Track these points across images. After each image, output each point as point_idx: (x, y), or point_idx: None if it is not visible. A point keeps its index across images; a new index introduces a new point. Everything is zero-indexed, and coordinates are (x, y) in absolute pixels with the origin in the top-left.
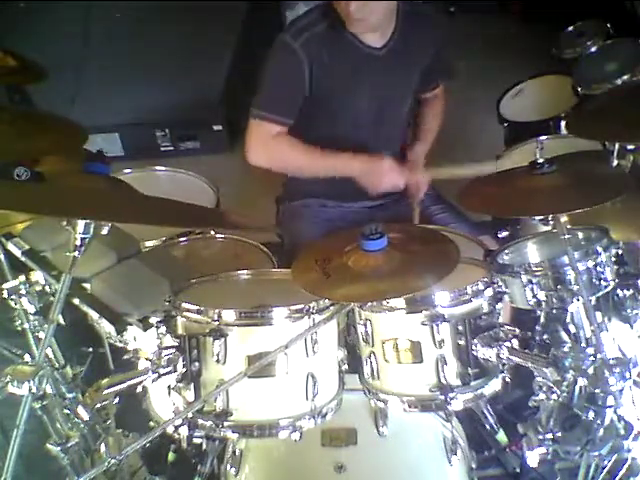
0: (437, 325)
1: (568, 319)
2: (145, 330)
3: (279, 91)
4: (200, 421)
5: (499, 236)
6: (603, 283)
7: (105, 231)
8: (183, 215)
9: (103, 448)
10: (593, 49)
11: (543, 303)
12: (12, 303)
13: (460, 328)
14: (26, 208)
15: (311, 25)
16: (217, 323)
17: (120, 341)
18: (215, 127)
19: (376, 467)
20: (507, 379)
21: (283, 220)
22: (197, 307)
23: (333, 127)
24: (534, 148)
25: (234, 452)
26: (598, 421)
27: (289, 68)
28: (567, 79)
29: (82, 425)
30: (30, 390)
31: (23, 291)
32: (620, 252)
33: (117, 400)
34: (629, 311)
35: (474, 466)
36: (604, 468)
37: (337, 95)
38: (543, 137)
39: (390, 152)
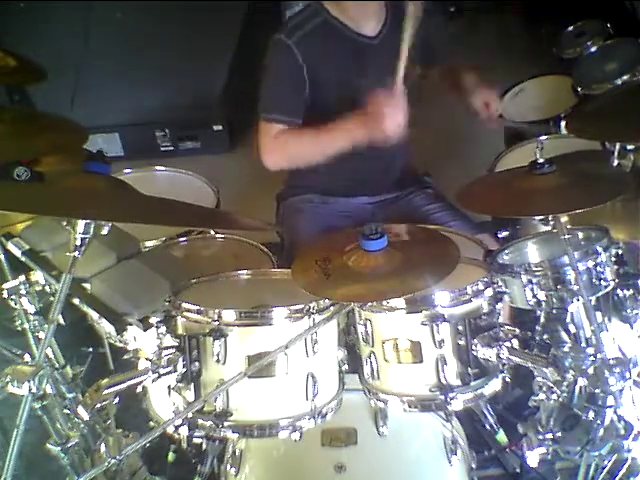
0: (437, 325)
1: (568, 319)
2: (145, 330)
3: (280, 90)
4: (200, 421)
5: (499, 236)
6: (603, 283)
7: (105, 231)
8: (183, 215)
9: (103, 448)
10: (593, 49)
11: (543, 303)
12: (12, 303)
13: (460, 328)
14: (26, 208)
15: (304, 22)
16: (217, 323)
17: (120, 341)
18: (215, 127)
19: (376, 467)
20: (507, 379)
21: (283, 217)
22: (197, 307)
23: (333, 119)
24: (534, 148)
25: (234, 452)
26: (598, 421)
27: (287, 66)
28: (567, 79)
29: (82, 425)
30: (30, 390)
31: (23, 291)
32: (620, 252)
33: (117, 400)
34: (629, 311)
35: (474, 466)
36: (604, 468)
37: (336, 88)
38: (543, 137)
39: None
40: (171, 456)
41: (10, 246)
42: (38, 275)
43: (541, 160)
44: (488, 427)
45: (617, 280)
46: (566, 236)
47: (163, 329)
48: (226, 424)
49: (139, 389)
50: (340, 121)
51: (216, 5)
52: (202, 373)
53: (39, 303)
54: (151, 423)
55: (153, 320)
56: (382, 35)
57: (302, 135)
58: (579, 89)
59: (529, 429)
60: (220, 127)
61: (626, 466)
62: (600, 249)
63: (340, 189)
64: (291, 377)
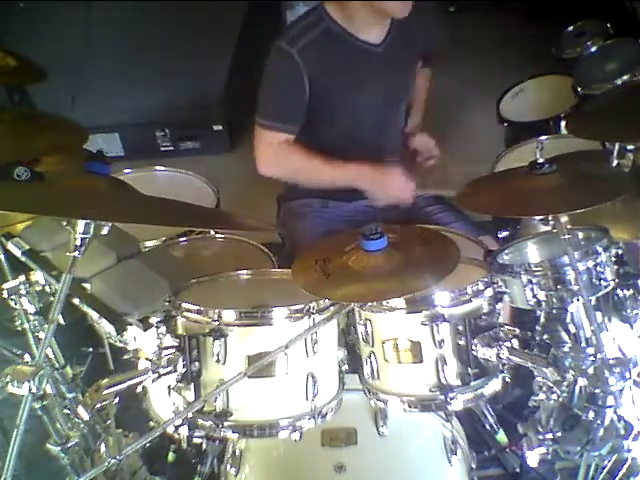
0: (437, 325)
1: (568, 319)
2: (145, 330)
3: (280, 98)
4: (200, 421)
5: (499, 236)
6: (603, 283)
7: (105, 231)
8: (183, 215)
9: (103, 448)
10: (593, 49)
11: (543, 303)
12: (12, 303)
13: (460, 328)
14: (26, 208)
15: (308, 29)
16: (217, 323)
17: (120, 341)
18: (215, 127)
19: (376, 467)
20: (507, 379)
21: (284, 220)
22: (197, 307)
23: (333, 127)
24: (534, 148)
25: (234, 452)
26: (598, 421)
27: (288, 74)
28: (567, 79)
29: (82, 425)
30: (30, 390)
31: (23, 291)
32: (620, 252)
33: (117, 400)
34: (629, 311)
35: (474, 466)
36: (604, 468)
37: (338, 95)
38: (543, 137)
39: (390, 151)
40: (171, 456)
41: (10, 246)
42: (38, 275)
43: (541, 160)
44: (488, 427)
45: (617, 280)
46: (566, 236)
47: (163, 329)
48: (226, 424)
49: (139, 389)
50: (350, 165)
51: (216, 5)
52: (202, 373)
53: (39, 303)
54: (151, 423)
55: (153, 320)
56: (386, 43)
57: (308, 159)
58: (579, 89)
59: (529, 429)
60: (220, 127)
61: (626, 466)
62: (600, 249)
63: (341, 193)
64: (291, 377)
